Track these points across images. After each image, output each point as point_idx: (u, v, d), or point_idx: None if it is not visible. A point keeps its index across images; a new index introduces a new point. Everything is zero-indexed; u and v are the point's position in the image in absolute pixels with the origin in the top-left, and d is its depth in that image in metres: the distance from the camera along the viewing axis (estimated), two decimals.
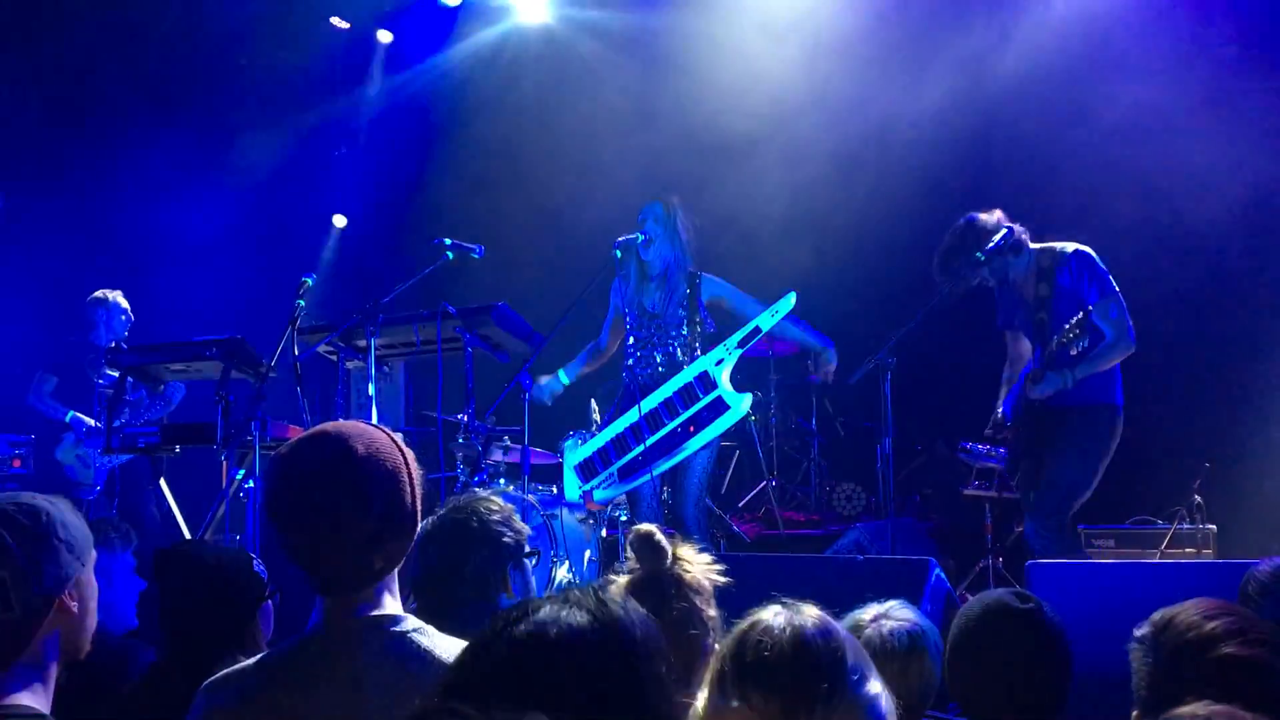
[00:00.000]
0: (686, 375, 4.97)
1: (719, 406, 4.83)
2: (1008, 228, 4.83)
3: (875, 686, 1.64)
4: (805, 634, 1.61)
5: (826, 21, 8.09)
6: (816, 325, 7.87)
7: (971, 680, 2.22)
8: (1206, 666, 1.83)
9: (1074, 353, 4.44)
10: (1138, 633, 1.98)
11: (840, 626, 1.75)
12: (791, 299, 4.91)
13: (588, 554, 6.10)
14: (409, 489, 1.85)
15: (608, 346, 5.55)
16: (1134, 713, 1.96)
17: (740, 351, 4.94)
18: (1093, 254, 4.73)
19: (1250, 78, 7.06)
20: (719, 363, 4.91)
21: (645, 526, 2.19)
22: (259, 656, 1.89)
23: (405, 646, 1.78)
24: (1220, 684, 1.80)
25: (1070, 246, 4.75)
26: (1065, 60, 7.51)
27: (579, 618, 1.31)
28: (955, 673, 2.28)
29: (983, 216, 4.81)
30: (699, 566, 2.00)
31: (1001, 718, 2.19)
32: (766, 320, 4.91)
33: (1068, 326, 4.41)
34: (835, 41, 8.16)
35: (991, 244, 4.81)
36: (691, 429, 4.86)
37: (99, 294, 7.11)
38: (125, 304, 7.12)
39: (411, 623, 1.84)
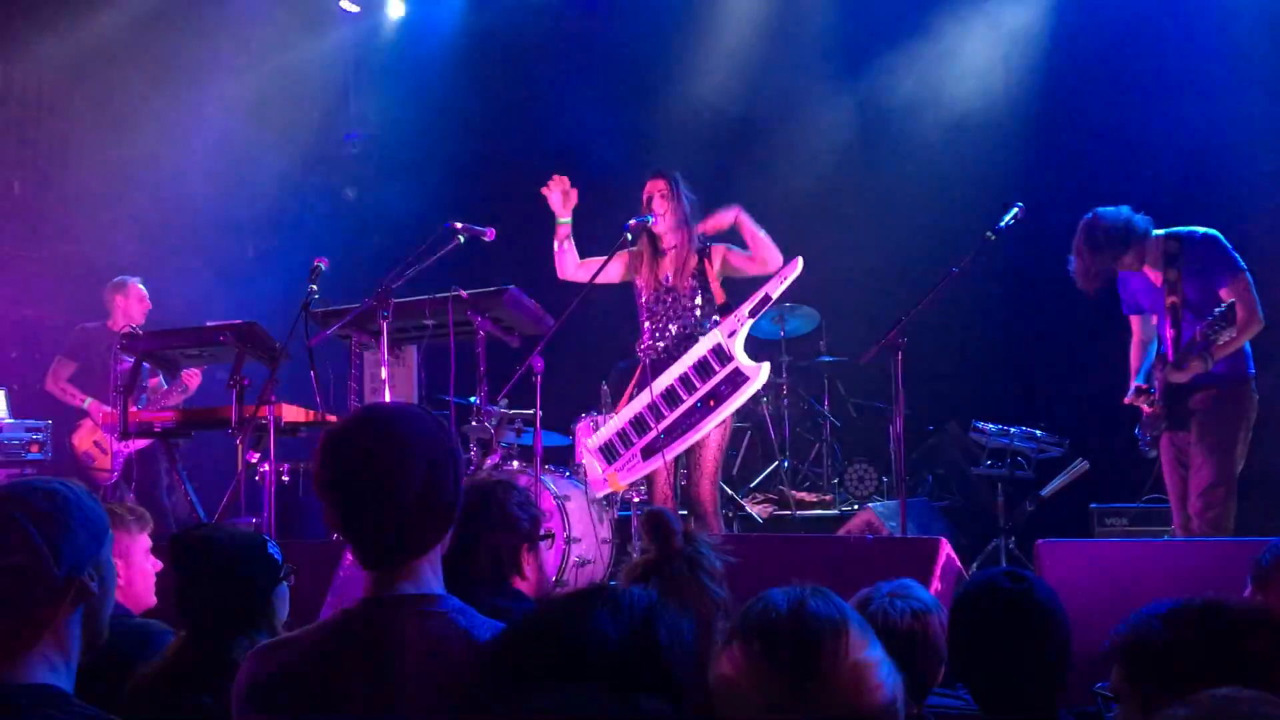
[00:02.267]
0: (700, 349, 4.97)
1: (737, 378, 4.81)
2: (1018, 205, 4.86)
3: (877, 654, 1.67)
4: (809, 604, 1.64)
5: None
6: (828, 304, 7.93)
7: (969, 660, 2.24)
8: (1229, 655, 1.84)
9: (1221, 341, 4.55)
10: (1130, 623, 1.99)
11: (844, 603, 1.78)
12: (798, 263, 4.90)
13: (600, 534, 6.14)
14: (451, 469, 1.90)
15: (574, 263, 5.38)
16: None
17: (752, 321, 4.93)
18: (1220, 236, 4.78)
19: None
20: (732, 334, 4.89)
21: (656, 508, 2.20)
22: (305, 628, 1.93)
23: (446, 626, 1.82)
24: (1239, 673, 1.80)
25: (1199, 230, 4.81)
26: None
27: (620, 632, 1.31)
28: (954, 653, 2.30)
29: (1108, 215, 4.86)
30: (710, 549, 2.02)
31: (999, 696, 2.20)
32: (775, 287, 4.89)
33: (1213, 319, 4.50)
34: (853, 26, 8.17)
35: (1003, 223, 4.83)
36: (711, 403, 4.85)
37: (118, 280, 7.16)
38: (144, 290, 7.16)
39: (451, 603, 1.88)
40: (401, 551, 1.86)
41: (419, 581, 1.86)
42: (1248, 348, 4.81)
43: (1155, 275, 4.87)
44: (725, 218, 5.14)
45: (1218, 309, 4.50)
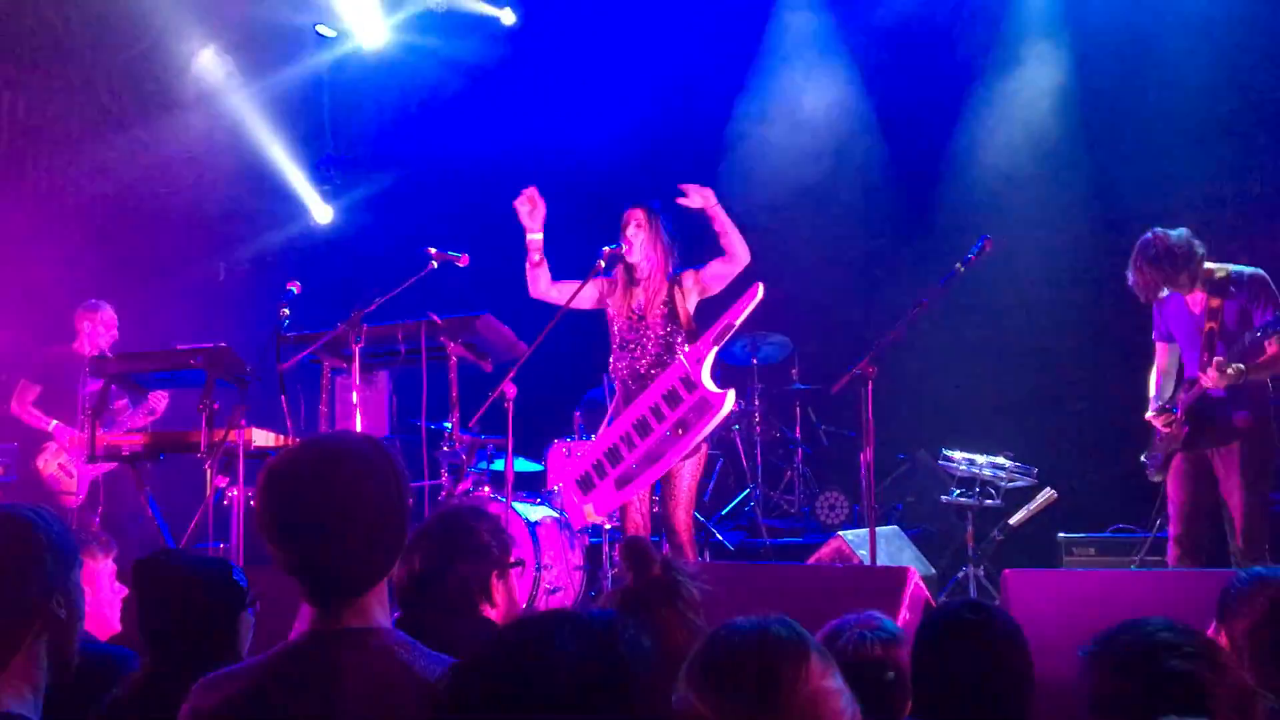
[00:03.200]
0: (669, 378, 4.99)
1: (704, 406, 4.82)
2: (984, 238, 4.95)
3: (837, 684, 1.69)
4: (769, 630, 1.66)
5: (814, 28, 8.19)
6: (800, 332, 7.98)
7: (930, 691, 2.25)
8: (1149, 679, 1.87)
9: (1261, 355, 4.70)
10: (1084, 649, 2.01)
11: (806, 632, 1.80)
12: (760, 290, 4.92)
13: (572, 561, 6.13)
14: (397, 500, 1.86)
15: (546, 283, 5.37)
16: None
17: (717, 348, 4.94)
18: (1264, 274, 4.95)
19: None
20: (698, 361, 4.91)
21: (635, 536, 2.21)
22: (248, 660, 1.91)
23: (390, 661, 1.79)
24: (1162, 695, 1.84)
25: (1248, 269, 4.98)
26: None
27: (582, 650, 1.31)
28: (917, 684, 2.30)
29: (1172, 235, 4.96)
30: (686, 577, 2.02)
31: None
32: (737, 315, 4.91)
33: (1266, 325, 4.66)
34: (820, 51, 8.26)
35: (971, 255, 4.90)
36: (680, 431, 4.86)
37: (89, 303, 7.09)
38: (114, 316, 7.10)
39: (396, 636, 1.85)
40: (347, 587, 1.82)
41: (364, 615, 1.83)
42: (1273, 389, 4.99)
43: (1196, 302, 5.01)
44: (694, 200, 5.11)
45: (1265, 320, 4.67)
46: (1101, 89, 7.60)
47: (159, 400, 6.81)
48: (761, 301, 4.92)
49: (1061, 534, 6.43)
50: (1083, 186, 7.61)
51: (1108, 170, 7.51)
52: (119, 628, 3.36)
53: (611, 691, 1.27)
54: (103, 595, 3.34)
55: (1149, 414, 5.19)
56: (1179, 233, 4.94)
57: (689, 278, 5.18)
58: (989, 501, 6.68)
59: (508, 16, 9.24)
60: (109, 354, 6.32)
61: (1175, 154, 6.99)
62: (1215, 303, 4.93)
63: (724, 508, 8.19)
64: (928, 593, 3.73)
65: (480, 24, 9.24)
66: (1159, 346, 5.31)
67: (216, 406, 5.14)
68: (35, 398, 6.91)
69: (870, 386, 4.80)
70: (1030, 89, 7.87)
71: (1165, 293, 5.02)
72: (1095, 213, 7.45)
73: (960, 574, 6.49)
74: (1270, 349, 4.75)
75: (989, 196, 7.57)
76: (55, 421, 6.80)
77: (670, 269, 5.18)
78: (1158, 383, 5.30)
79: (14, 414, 6.92)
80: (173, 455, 5.80)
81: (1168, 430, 5.09)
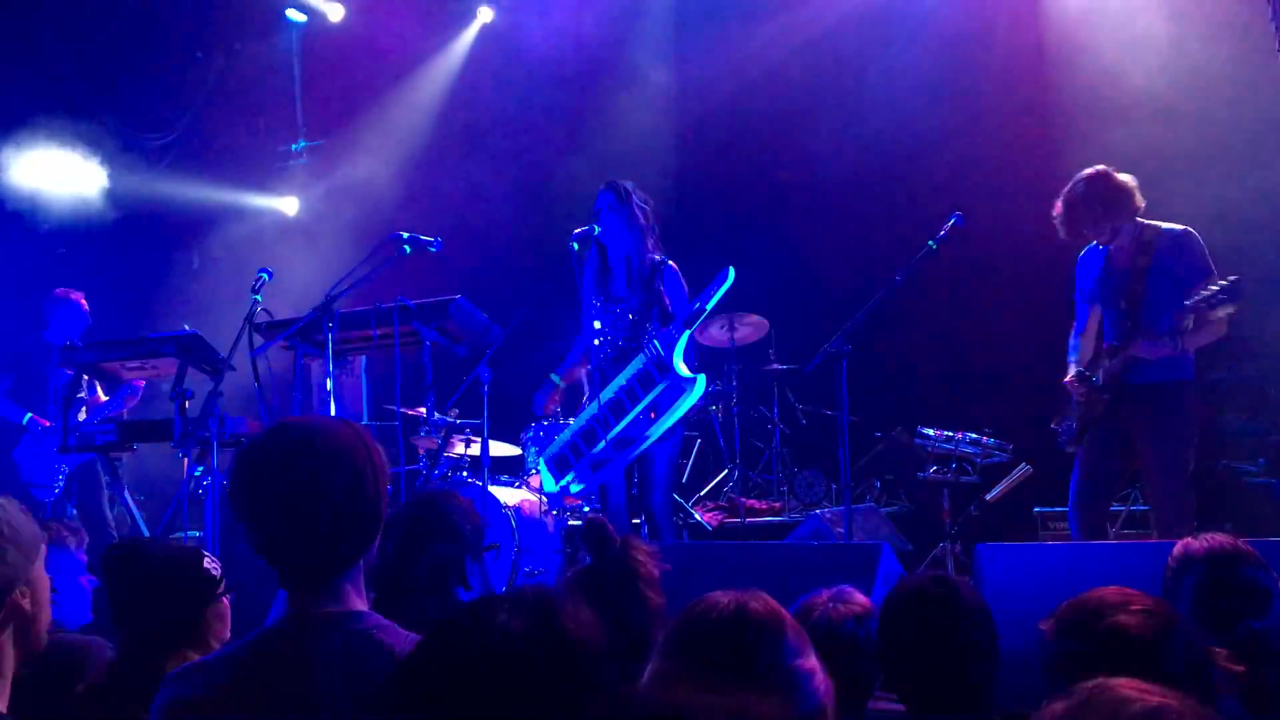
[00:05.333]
0: (641, 360, 4.99)
1: (676, 389, 4.83)
2: (957, 215, 4.94)
3: (811, 663, 1.70)
4: (748, 608, 1.68)
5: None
6: (777, 313, 7.99)
7: (897, 664, 2.27)
8: (1097, 638, 1.89)
9: (1219, 315, 4.40)
10: (1037, 623, 2.03)
11: (783, 609, 1.81)
12: (730, 274, 4.91)
13: (551, 546, 6.13)
14: (372, 483, 1.85)
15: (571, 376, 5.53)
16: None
17: (689, 331, 4.94)
18: (1194, 233, 4.72)
19: None
20: (670, 345, 4.91)
21: (594, 517, 2.22)
22: (222, 649, 1.90)
23: (364, 643, 1.79)
24: (1110, 654, 1.86)
25: (1179, 226, 4.75)
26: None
27: (524, 626, 1.31)
28: (883, 659, 2.32)
29: (1119, 176, 4.75)
30: (645, 556, 2.04)
31: (928, 701, 2.21)
32: (709, 299, 4.91)
33: (1217, 291, 4.32)
34: (800, 39, 8.25)
35: (943, 232, 4.90)
36: (653, 415, 4.87)
37: (59, 292, 7.05)
38: (85, 305, 7.05)
39: (372, 619, 1.84)
40: (322, 571, 1.82)
41: (340, 599, 1.83)
42: (1192, 353, 4.76)
43: (1121, 259, 4.80)
44: None
45: (1223, 281, 4.34)
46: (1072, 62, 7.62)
47: (134, 388, 6.78)
48: (737, 283, 4.92)
49: (1038, 508, 6.48)
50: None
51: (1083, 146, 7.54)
52: (89, 618, 3.35)
53: (556, 668, 1.27)
54: (73, 585, 3.33)
55: (1068, 378, 4.91)
56: (1127, 178, 4.75)
57: (669, 283, 5.14)
58: (965, 478, 6.72)
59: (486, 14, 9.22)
60: (79, 343, 6.26)
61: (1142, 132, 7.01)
62: (1143, 261, 4.70)
63: (702, 488, 8.21)
64: (902, 569, 3.76)
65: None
66: (1080, 308, 5.07)
67: (190, 395, 5.11)
68: (9, 388, 6.86)
69: (844, 365, 4.81)
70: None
71: (1091, 240, 4.84)
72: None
73: (938, 550, 6.53)
74: (1213, 319, 4.49)
75: (964, 172, 7.58)
76: (30, 414, 6.75)
77: (648, 250, 5.16)
78: (1078, 346, 5.02)
79: None
80: (151, 444, 5.79)
81: (1084, 399, 4.85)
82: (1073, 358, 4.98)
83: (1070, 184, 4.80)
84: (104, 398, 6.82)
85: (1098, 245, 4.88)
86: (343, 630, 1.80)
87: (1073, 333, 5.08)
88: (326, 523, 1.79)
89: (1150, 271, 4.68)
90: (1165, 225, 4.75)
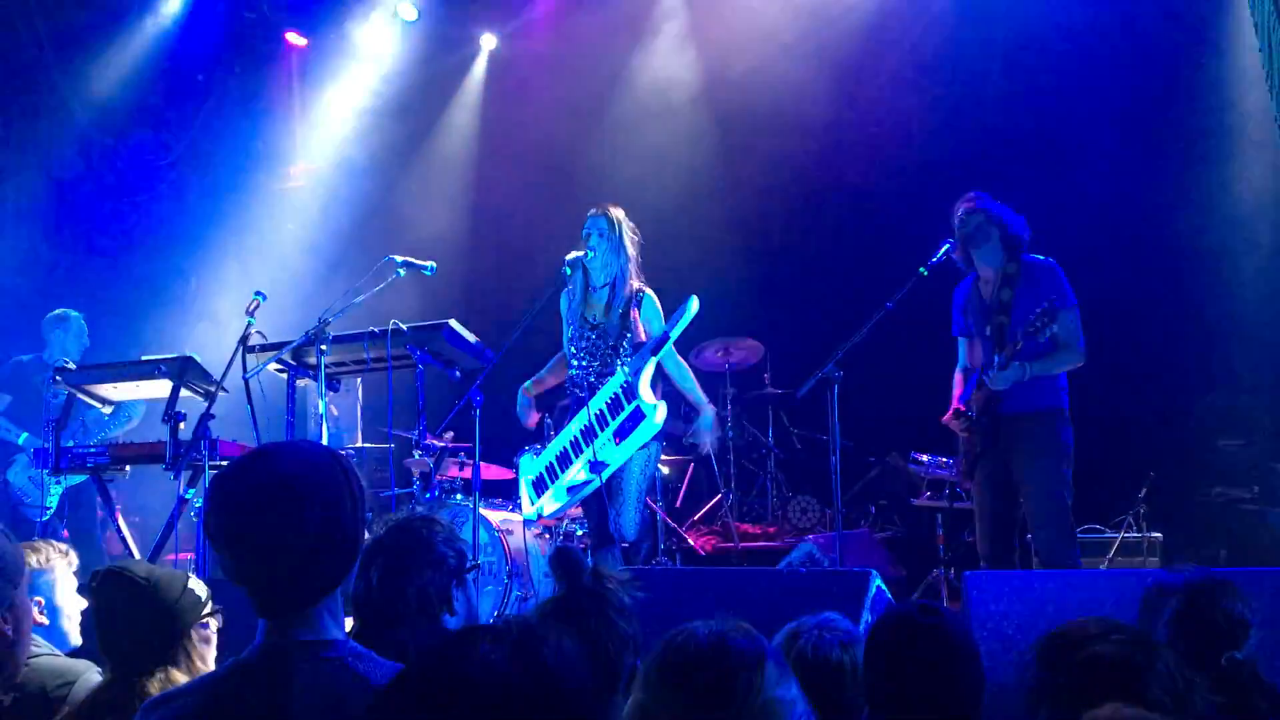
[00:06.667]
0: (612, 385, 5.03)
1: (638, 415, 4.88)
2: (950, 242, 4.95)
3: (793, 694, 1.70)
4: (727, 638, 1.67)
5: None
6: (772, 337, 7.99)
7: (883, 693, 2.25)
8: (1077, 668, 1.89)
9: (1041, 340, 4.51)
10: (1023, 651, 2.03)
11: (763, 637, 1.81)
12: (694, 302, 4.97)
13: (543, 569, 6.12)
14: (348, 511, 1.83)
15: (548, 378, 5.56)
16: None
17: (655, 359, 4.99)
18: (1055, 263, 4.83)
19: None
20: (637, 372, 4.96)
21: (563, 546, 2.21)
22: (199, 678, 1.89)
23: (342, 673, 1.78)
24: (1089, 684, 1.85)
25: (1039, 257, 4.85)
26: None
27: (506, 658, 1.31)
28: (869, 686, 2.31)
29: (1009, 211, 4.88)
30: (616, 584, 2.03)
31: None
32: (675, 328, 4.97)
33: (1034, 316, 4.49)
34: (782, 50, 8.28)
35: (934, 259, 4.91)
36: (617, 440, 4.91)
37: (58, 312, 7.06)
38: (83, 325, 7.06)
39: (348, 648, 1.83)
40: (295, 599, 1.81)
41: (315, 627, 1.81)
42: (1064, 382, 4.81)
43: (988, 293, 4.90)
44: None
45: (1038, 308, 4.49)
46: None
47: (135, 409, 6.78)
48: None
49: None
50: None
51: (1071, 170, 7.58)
52: (79, 641, 3.33)
53: (535, 699, 1.27)
54: (63, 608, 3.31)
55: (946, 416, 5.00)
56: (1017, 215, 4.85)
57: (647, 312, 5.18)
58: (959, 503, 6.71)
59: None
60: (74, 365, 6.26)
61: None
62: (1007, 295, 4.78)
63: (696, 513, 8.20)
64: (890, 596, 3.75)
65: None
66: (961, 343, 5.16)
67: (182, 417, 5.11)
68: (5, 407, 6.86)
69: (835, 390, 4.81)
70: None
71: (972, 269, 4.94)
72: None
73: (931, 576, 6.52)
74: (1055, 344, 4.60)
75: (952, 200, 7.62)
76: (25, 434, 6.74)
77: (630, 278, 5.18)
78: (960, 381, 5.10)
79: None
80: (140, 467, 5.78)
81: (965, 434, 4.91)
82: (956, 393, 5.07)
83: (979, 208, 4.89)
84: (110, 419, 6.78)
85: (969, 277, 5.00)
86: (318, 659, 1.79)
87: (957, 368, 5.18)
88: (301, 552, 1.78)
89: (1014, 304, 4.76)
90: (1029, 256, 4.85)
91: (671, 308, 5.16)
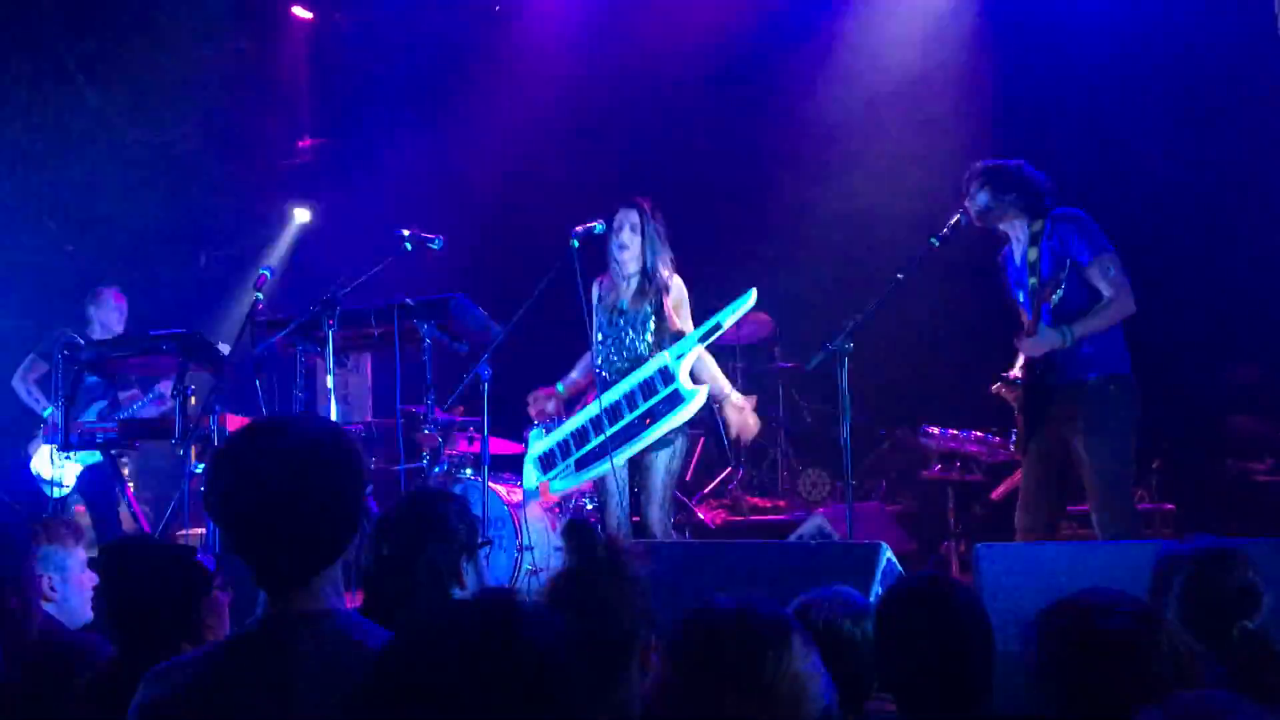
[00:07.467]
0: (649, 369, 4.99)
1: (675, 399, 4.84)
2: (962, 213, 4.85)
3: (818, 668, 1.68)
4: (751, 612, 1.66)
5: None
6: (782, 310, 7.96)
7: (893, 665, 2.25)
8: (1081, 641, 1.87)
9: (1051, 304, 4.30)
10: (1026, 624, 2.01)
11: (788, 613, 1.79)
12: (751, 294, 4.90)
13: (554, 543, 6.12)
14: (350, 482, 1.84)
15: (580, 376, 5.50)
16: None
17: (701, 345, 4.95)
18: (1080, 212, 4.56)
19: None
20: (679, 357, 4.93)
21: (576, 518, 2.20)
22: (200, 649, 1.90)
23: (341, 642, 1.78)
24: (1094, 657, 1.84)
25: (1061, 209, 4.59)
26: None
27: (481, 632, 1.30)
28: (879, 658, 2.31)
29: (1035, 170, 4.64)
30: (630, 557, 2.02)
31: (920, 702, 2.19)
32: (726, 317, 4.91)
33: (1045, 281, 4.31)
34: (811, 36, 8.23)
35: (946, 229, 4.82)
36: (648, 421, 4.87)
37: (92, 291, 7.01)
38: (118, 298, 7.00)
39: (350, 618, 1.84)
40: (294, 572, 1.81)
41: (316, 598, 1.82)
42: (1121, 344, 4.54)
43: (1020, 254, 4.70)
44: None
45: (1060, 271, 4.29)
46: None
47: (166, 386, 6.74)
48: (743, 279, 4.92)
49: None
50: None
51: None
52: (90, 616, 3.35)
53: (509, 676, 1.25)
54: (73, 584, 3.33)
55: (995, 385, 4.78)
56: (1043, 174, 4.62)
57: (677, 296, 5.14)
58: (970, 476, 6.70)
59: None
60: (82, 341, 6.25)
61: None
62: (1034, 255, 4.55)
63: (706, 486, 8.20)
64: (900, 568, 3.74)
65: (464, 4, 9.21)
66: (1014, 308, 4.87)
67: (191, 392, 5.12)
68: (39, 376, 6.81)
69: (845, 363, 4.77)
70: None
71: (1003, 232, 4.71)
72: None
73: (942, 548, 6.52)
74: (1104, 293, 4.30)
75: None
76: (51, 407, 6.70)
77: (663, 268, 5.13)
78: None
79: (13, 387, 6.81)
80: (149, 443, 5.79)
81: (1016, 402, 4.68)
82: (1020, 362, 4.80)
83: (990, 173, 4.69)
84: (142, 397, 6.75)
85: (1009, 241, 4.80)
86: (319, 629, 1.79)
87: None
88: (301, 524, 1.78)
89: (1040, 263, 4.53)
90: (1059, 209, 4.60)
91: (688, 284, 5.12)
